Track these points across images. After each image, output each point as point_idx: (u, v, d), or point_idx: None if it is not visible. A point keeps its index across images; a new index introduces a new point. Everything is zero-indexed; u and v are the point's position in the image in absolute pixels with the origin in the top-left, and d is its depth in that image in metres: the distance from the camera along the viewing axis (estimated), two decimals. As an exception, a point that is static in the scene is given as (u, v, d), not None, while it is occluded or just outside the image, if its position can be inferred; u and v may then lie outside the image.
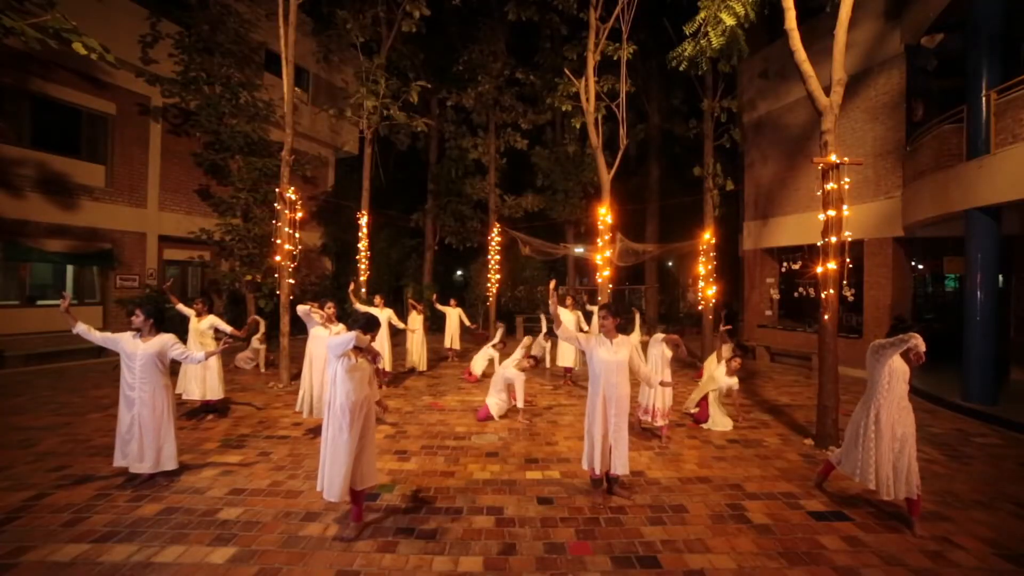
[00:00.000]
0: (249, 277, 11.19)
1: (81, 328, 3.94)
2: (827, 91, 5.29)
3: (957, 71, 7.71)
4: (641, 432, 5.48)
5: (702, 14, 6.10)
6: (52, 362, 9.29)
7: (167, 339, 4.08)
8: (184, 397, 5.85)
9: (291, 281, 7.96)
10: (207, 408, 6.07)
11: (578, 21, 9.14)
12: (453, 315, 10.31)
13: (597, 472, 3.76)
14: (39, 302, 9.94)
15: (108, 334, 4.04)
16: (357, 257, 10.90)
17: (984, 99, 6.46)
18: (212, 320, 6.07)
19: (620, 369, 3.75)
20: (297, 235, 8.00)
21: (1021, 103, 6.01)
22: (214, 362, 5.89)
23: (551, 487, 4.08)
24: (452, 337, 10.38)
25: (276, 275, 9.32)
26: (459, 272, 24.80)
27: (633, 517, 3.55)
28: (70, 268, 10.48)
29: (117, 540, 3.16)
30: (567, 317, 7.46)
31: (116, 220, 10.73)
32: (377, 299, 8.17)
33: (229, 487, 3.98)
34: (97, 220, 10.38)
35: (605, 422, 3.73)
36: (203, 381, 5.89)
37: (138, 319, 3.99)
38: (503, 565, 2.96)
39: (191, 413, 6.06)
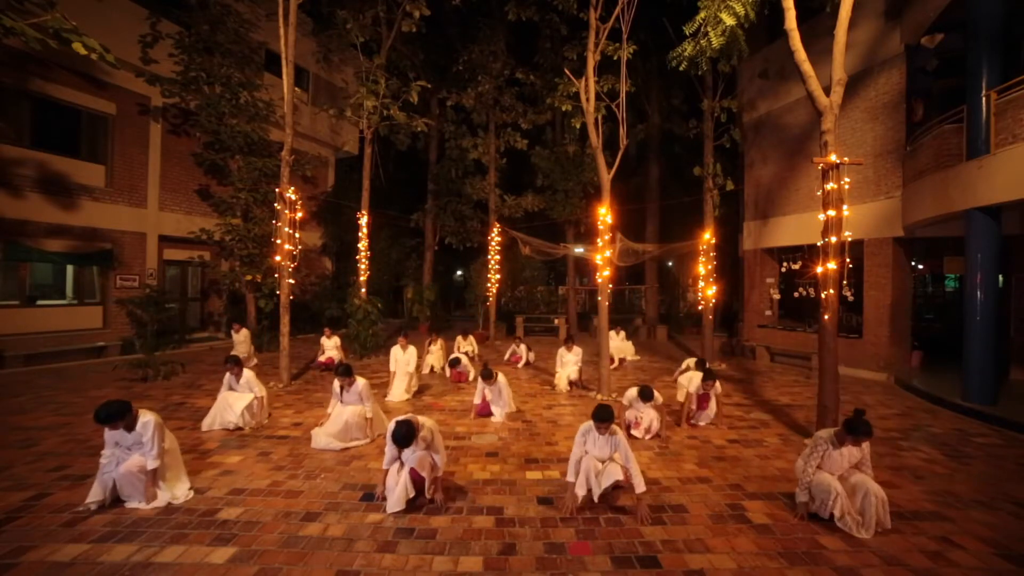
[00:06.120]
0: (249, 277, 11.21)
1: None
2: (827, 91, 5.29)
3: (957, 71, 7.72)
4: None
5: (702, 14, 6.10)
6: (52, 362, 9.30)
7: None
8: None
9: (291, 281, 7.97)
10: None
11: (578, 21, 9.15)
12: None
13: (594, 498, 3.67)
14: (39, 302, 9.95)
15: None
16: (357, 257, 10.92)
17: (984, 99, 6.46)
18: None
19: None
20: (297, 235, 8.02)
21: (1021, 103, 6.01)
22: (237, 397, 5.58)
23: (551, 487, 4.07)
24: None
25: (276, 275, 9.34)
26: (459, 272, 24.82)
27: (633, 517, 3.55)
28: (70, 268, 10.48)
29: (117, 540, 3.16)
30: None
31: (116, 220, 10.72)
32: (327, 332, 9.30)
33: (229, 487, 3.98)
34: (97, 220, 10.38)
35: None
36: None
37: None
38: (503, 565, 2.96)
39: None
